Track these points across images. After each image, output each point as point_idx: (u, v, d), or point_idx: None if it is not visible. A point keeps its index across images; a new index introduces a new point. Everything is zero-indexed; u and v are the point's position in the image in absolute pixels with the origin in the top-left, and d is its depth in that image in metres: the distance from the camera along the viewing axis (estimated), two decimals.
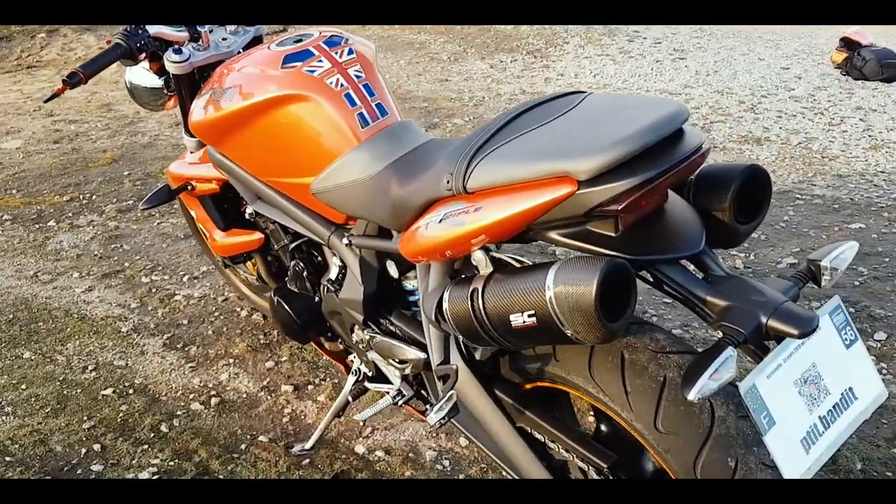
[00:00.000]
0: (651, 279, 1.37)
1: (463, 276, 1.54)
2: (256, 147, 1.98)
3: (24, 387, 2.63)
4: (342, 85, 1.85)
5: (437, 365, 1.67)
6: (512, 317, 1.32)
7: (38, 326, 3.03)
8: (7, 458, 2.26)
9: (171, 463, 2.26)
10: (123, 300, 3.23)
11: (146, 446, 2.34)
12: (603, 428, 1.68)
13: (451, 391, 1.60)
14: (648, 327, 1.46)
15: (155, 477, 2.20)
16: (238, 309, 3.12)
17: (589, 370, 1.47)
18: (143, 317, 3.10)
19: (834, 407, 1.28)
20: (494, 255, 1.58)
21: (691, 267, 1.37)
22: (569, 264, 1.25)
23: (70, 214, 4.08)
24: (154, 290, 3.30)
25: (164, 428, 2.43)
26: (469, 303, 1.39)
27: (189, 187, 2.39)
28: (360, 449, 2.33)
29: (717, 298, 1.28)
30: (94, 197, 4.29)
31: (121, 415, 2.49)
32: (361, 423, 2.41)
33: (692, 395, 1.14)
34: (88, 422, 2.45)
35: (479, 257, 1.45)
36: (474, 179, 1.39)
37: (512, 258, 1.60)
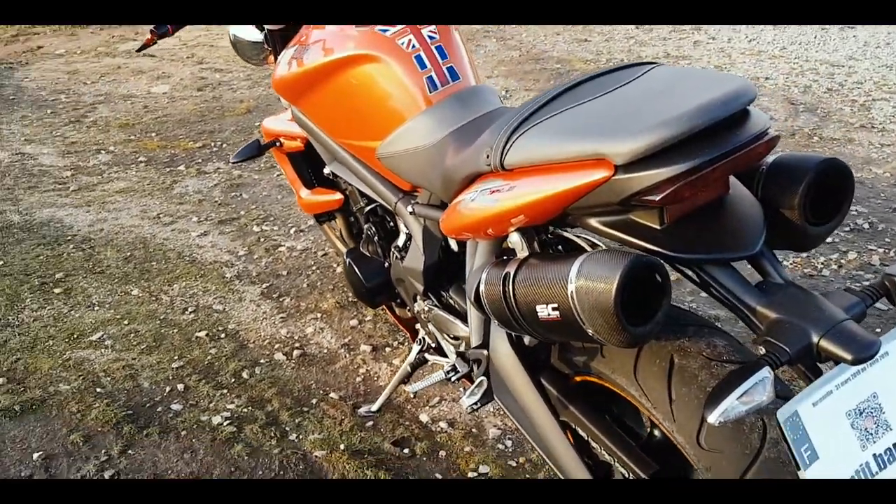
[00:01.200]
0: (698, 280, 1.21)
1: (505, 257, 1.44)
2: (330, 107, 1.95)
3: (126, 322, 2.79)
4: (413, 46, 1.77)
5: (473, 348, 1.58)
6: (538, 307, 1.21)
7: (150, 266, 3.20)
8: (97, 390, 2.41)
9: (245, 410, 2.33)
10: (233, 247, 3.35)
11: (225, 391, 2.42)
12: (656, 434, 1.54)
13: (482, 377, 1.52)
14: (708, 331, 1.30)
15: (227, 423, 2.27)
16: (334, 265, 3.16)
17: (634, 370, 1.34)
18: (247, 264, 3.21)
19: (894, 445, 1.09)
20: (558, 233, 1.46)
21: (749, 269, 1.20)
22: (595, 257, 1.12)
23: (199, 161, 4.28)
24: (262, 240, 3.40)
25: (245, 374, 2.50)
26: (501, 287, 1.30)
27: (278, 143, 2.41)
28: (424, 418, 2.30)
29: (768, 309, 1.11)
30: (224, 145, 4.47)
31: (209, 357, 2.59)
32: (412, 395, 2.37)
33: (713, 418, 1.00)
34: (178, 361, 2.57)
35: (514, 239, 1.35)
36: (511, 156, 1.28)
37: (578, 237, 1.47)
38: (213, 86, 5.53)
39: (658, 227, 1.16)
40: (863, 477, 1.06)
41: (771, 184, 1.20)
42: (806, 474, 1.03)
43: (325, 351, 2.63)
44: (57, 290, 2.98)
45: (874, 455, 1.07)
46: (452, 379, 1.93)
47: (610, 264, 1.07)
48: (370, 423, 2.27)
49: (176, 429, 2.25)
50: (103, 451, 2.15)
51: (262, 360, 2.58)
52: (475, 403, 1.52)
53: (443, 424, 2.26)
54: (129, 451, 2.15)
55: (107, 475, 2.06)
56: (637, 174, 1.09)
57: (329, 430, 2.24)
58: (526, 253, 1.33)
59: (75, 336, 2.70)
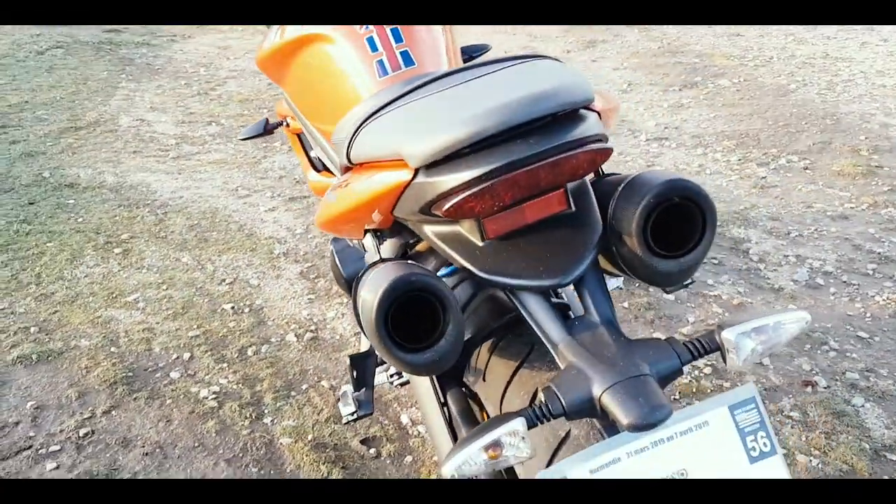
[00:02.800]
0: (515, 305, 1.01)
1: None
2: (299, 88, 1.87)
3: (164, 287, 2.87)
4: (367, 28, 1.64)
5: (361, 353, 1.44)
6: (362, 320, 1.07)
7: (210, 235, 3.28)
8: (111, 349, 2.49)
9: (234, 387, 2.31)
10: (293, 224, 3.37)
11: (225, 365, 2.42)
12: None
13: (361, 388, 1.39)
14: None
15: (212, 397, 2.26)
16: None
17: (501, 401, 1.16)
18: (299, 243, 3.21)
19: None
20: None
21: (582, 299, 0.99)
22: (379, 268, 0.96)
23: None
24: None
25: (250, 352, 2.49)
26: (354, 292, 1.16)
27: (285, 123, 2.35)
28: (404, 419, 2.16)
29: (567, 349, 0.92)
30: None
31: (224, 330, 2.60)
32: (392, 393, 2.24)
33: (447, 469, 0.82)
34: (195, 331, 2.60)
35: (368, 242, 1.20)
36: (354, 150, 1.16)
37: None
38: None
39: (479, 244, 0.99)
40: None
41: (618, 206, 0.98)
42: None
43: (338, 338, 2.56)
44: (116, 251, 3.13)
45: None
46: (394, 383, 1.80)
47: (380, 279, 0.91)
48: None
49: (163, 396, 2.27)
50: (89, 409, 2.21)
51: (272, 339, 2.56)
52: (350, 414, 1.37)
53: (421, 428, 2.12)
54: (113, 413, 2.19)
55: (81, 432, 2.11)
56: (430, 180, 0.96)
57: (304, 419, 2.16)
58: (376, 258, 1.17)
59: (114, 295, 2.81)
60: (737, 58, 5.37)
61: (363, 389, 1.39)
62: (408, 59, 1.62)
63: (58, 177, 3.77)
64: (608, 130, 1.30)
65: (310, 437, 2.09)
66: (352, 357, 1.37)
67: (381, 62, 1.60)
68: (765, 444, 0.89)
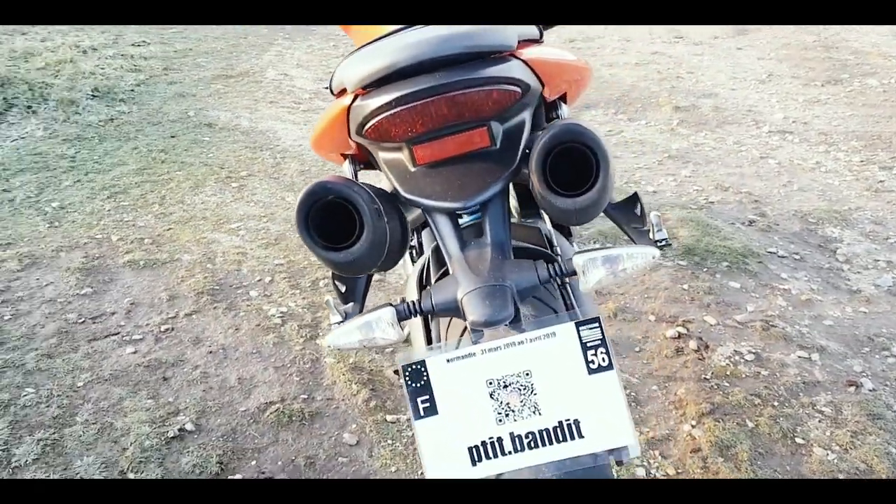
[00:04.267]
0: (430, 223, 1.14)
1: None
2: None
3: (265, 220, 3.17)
4: None
5: None
6: None
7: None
8: (207, 265, 2.81)
9: (299, 310, 2.55)
10: None
11: (297, 292, 2.66)
12: None
13: None
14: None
15: (278, 315, 2.51)
16: None
17: None
18: None
19: (540, 433, 0.95)
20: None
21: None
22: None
23: None
24: None
25: (321, 283, 2.72)
26: None
27: None
28: None
29: (455, 261, 1.06)
30: None
31: (305, 263, 2.85)
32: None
33: (325, 341, 1.01)
34: (281, 259, 2.87)
35: (345, 167, 1.35)
36: (335, 79, 1.31)
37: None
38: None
39: (411, 169, 1.12)
40: (488, 450, 0.95)
41: (532, 147, 1.08)
42: (417, 423, 0.95)
43: (402, 281, 2.74)
44: (233, 185, 3.47)
45: (511, 434, 0.96)
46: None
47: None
48: (392, 349, 2.35)
49: (238, 309, 2.55)
50: (174, 311, 2.53)
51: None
52: (336, 323, 1.53)
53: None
54: (193, 316, 2.50)
55: (163, 328, 2.42)
56: (360, 104, 1.09)
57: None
58: None
59: (221, 222, 3.15)
60: (893, 57, 5.00)
61: (351, 304, 1.54)
62: None
63: (200, 116, 4.20)
64: (577, 99, 1.38)
65: (351, 360, 2.29)
66: (333, 273, 1.53)
67: None
68: (603, 359, 0.97)
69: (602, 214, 1.21)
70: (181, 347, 2.34)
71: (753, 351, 2.28)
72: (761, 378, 2.16)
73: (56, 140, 3.83)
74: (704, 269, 2.71)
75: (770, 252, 2.82)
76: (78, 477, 1.83)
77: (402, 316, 1.01)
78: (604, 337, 0.98)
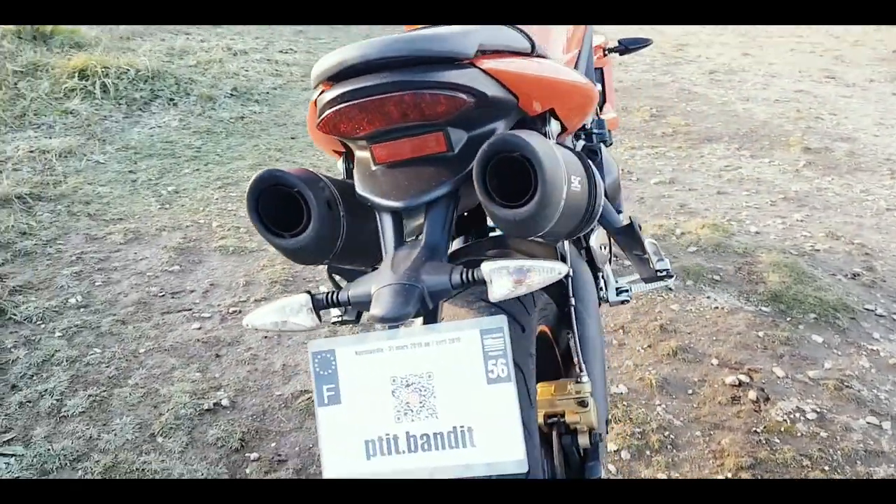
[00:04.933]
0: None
1: None
2: None
3: None
4: None
5: None
6: None
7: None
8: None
9: None
10: None
11: None
12: None
13: None
14: None
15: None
16: None
17: None
18: None
19: (434, 436, 0.93)
20: None
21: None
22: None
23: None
24: None
25: None
26: None
27: None
28: None
29: (389, 258, 1.05)
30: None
31: None
32: None
33: (245, 320, 1.02)
34: None
35: (339, 166, 1.39)
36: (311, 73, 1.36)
37: None
38: None
39: (372, 168, 1.14)
40: (377, 447, 0.95)
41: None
42: (319, 410, 0.96)
43: None
44: None
45: (407, 433, 0.94)
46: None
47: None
48: None
49: None
50: (246, 296, 2.66)
51: None
52: (336, 316, 1.56)
53: None
54: (262, 302, 2.63)
55: (231, 310, 2.56)
56: (319, 98, 1.11)
57: None
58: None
59: None
60: None
61: None
62: None
63: None
64: (578, 120, 1.33)
65: None
66: (329, 267, 1.56)
67: None
68: (502, 370, 0.93)
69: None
70: (241, 330, 2.45)
71: (818, 410, 2.09)
72: (818, 439, 1.98)
73: (188, 131, 4.15)
74: (787, 319, 2.52)
75: (867, 309, 2.57)
76: (112, 434, 1.97)
77: (319, 305, 1.02)
78: (506, 348, 0.95)
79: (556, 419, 1.34)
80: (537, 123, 1.26)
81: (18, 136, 3.81)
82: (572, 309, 1.52)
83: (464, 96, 1.05)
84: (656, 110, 4.90)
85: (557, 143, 1.26)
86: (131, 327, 2.43)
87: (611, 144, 2.62)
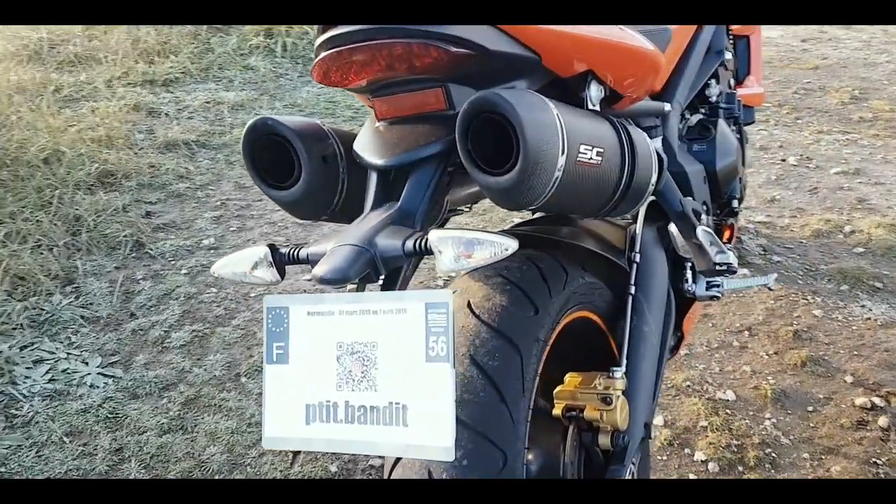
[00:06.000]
0: None
1: None
2: None
3: None
4: None
5: None
6: None
7: None
8: None
9: None
10: None
11: None
12: None
13: None
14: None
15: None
16: None
17: None
18: None
19: (370, 409, 0.87)
20: None
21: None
22: None
23: None
24: None
25: None
26: None
27: None
28: None
29: (359, 219, 0.98)
30: None
31: None
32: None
33: (212, 268, 1.01)
34: None
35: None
36: None
37: None
38: None
39: (375, 125, 1.08)
40: (317, 413, 0.91)
41: None
42: (267, 367, 0.93)
43: None
44: None
45: (346, 402, 0.89)
46: None
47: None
48: None
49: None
50: None
51: None
52: None
53: None
54: None
55: None
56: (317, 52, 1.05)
57: None
58: None
59: None
60: None
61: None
62: None
63: None
64: (638, 88, 1.16)
65: None
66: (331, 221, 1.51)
67: None
68: (442, 348, 0.85)
69: None
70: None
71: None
72: None
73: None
74: (843, 361, 2.13)
75: None
76: (202, 369, 2.07)
77: (278, 259, 0.97)
78: (448, 325, 0.86)
79: (575, 413, 1.22)
80: (572, 86, 1.12)
81: (200, 88, 4.12)
82: (629, 298, 1.37)
83: (457, 49, 0.95)
84: (859, 92, 4.33)
85: (594, 110, 1.11)
86: None
87: (749, 123, 2.34)
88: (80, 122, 3.43)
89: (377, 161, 1.02)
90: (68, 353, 2.10)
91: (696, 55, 1.72)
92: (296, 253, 0.97)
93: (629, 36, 1.15)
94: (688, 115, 1.78)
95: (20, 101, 3.54)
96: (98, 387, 1.98)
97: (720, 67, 1.87)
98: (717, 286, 1.52)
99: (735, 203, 1.82)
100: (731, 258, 1.32)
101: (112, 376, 2.03)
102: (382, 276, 0.94)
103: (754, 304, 2.39)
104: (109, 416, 1.89)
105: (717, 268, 1.32)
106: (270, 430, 0.93)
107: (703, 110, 1.85)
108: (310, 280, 1.38)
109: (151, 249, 2.64)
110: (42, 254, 2.48)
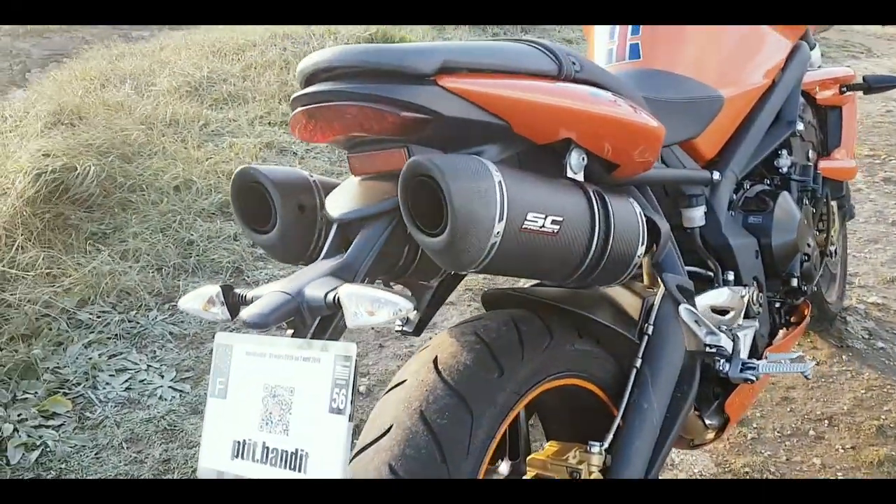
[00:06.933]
0: None
1: None
2: None
3: None
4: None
5: None
6: None
7: None
8: None
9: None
10: None
11: None
12: None
13: None
14: None
15: None
16: None
17: None
18: None
19: (280, 452, 0.92)
20: None
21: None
22: None
23: None
24: None
25: None
26: None
27: None
28: None
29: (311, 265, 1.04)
30: None
31: None
32: None
33: (179, 302, 1.09)
34: None
35: None
36: None
37: None
38: None
39: (351, 179, 1.13)
40: (241, 450, 0.95)
41: None
42: (209, 401, 1.00)
43: None
44: None
45: (264, 443, 0.93)
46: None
47: None
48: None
49: None
50: None
51: None
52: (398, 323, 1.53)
53: None
54: None
55: None
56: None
57: None
58: None
59: None
60: None
61: (415, 312, 1.52)
62: (634, 52, 1.59)
63: None
64: (630, 161, 1.13)
65: None
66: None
67: (611, 50, 1.62)
68: (342, 401, 0.88)
69: None
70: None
71: None
72: None
73: None
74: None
75: None
76: None
77: (231, 299, 1.02)
78: (351, 379, 0.89)
79: None
80: (552, 153, 1.11)
81: None
82: (634, 371, 1.32)
83: (407, 114, 0.98)
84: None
85: (570, 178, 1.10)
86: None
87: (838, 198, 2.17)
88: (216, 156, 3.74)
89: (334, 213, 1.07)
90: (149, 366, 2.28)
91: (758, 124, 1.65)
92: (245, 294, 1.03)
93: (614, 105, 1.13)
94: (747, 186, 1.69)
95: (170, 133, 3.92)
96: (166, 399, 2.14)
97: (792, 138, 1.77)
98: (753, 369, 1.43)
99: (795, 282, 1.70)
100: (723, 341, 1.25)
101: (181, 391, 2.18)
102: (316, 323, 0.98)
103: (843, 391, 2.20)
104: (168, 427, 2.04)
105: (707, 350, 1.25)
106: (205, 460, 0.99)
107: (769, 182, 1.75)
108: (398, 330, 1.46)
109: (248, 276, 2.83)
110: (151, 273, 2.72)
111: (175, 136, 3.90)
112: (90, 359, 2.27)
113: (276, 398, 0.94)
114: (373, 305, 0.87)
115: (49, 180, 2.98)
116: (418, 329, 1.46)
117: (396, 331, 1.52)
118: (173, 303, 2.60)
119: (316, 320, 0.96)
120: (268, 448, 0.93)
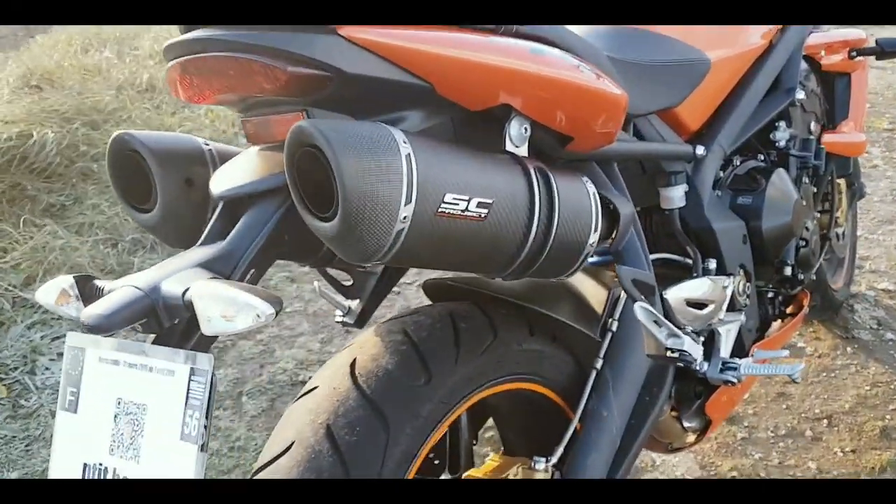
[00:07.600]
0: None
1: None
2: None
3: None
4: None
5: None
6: None
7: None
8: None
9: None
10: None
11: None
12: None
13: None
14: None
15: None
16: None
17: None
18: None
19: (132, 479, 0.76)
20: None
21: None
22: None
23: None
24: None
25: None
26: None
27: None
28: None
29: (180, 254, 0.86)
30: None
31: None
32: None
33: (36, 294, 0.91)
34: None
35: None
36: None
37: None
38: None
39: (248, 149, 0.96)
40: (90, 475, 0.79)
41: None
42: (58, 414, 0.83)
43: None
44: None
45: (115, 470, 0.77)
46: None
47: None
48: None
49: None
50: None
51: None
52: (340, 314, 1.35)
53: None
54: None
55: None
56: None
57: None
58: None
59: None
60: None
61: (357, 301, 1.34)
62: None
63: None
64: (587, 133, 0.94)
65: None
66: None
67: None
68: (195, 426, 0.70)
69: None
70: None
71: None
72: None
73: None
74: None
75: None
76: None
77: (84, 292, 0.83)
78: (206, 400, 0.70)
79: None
80: (494, 123, 0.91)
81: None
82: (593, 373, 1.14)
83: (297, 69, 0.78)
84: None
85: (507, 152, 0.90)
86: (295, 286, 2.50)
87: (844, 175, 1.96)
88: (191, 122, 3.55)
89: (218, 189, 0.88)
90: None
91: (751, 93, 1.44)
92: (103, 287, 0.84)
93: (563, 66, 0.92)
94: (737, 162, 1.49)
95: (144, 99, 3.74)
96: None
97: (791, 108, 1.56)
98: (734, 369, 1.24)
99: (790, 270, 1.50)
100: (687, 344, 1.06)
101: None
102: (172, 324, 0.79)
103: (845, 387, 2.01)
104: None
105: (668, 354, 1.06)
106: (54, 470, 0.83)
107: (764, 157, 1.55)
108: (338, 321, 1.28)
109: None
110: (105, 248, 2.55)
111: (149, 102, 3.72)
112: (31, 341, 2.10)
113: (128, 416, 0.77)
114: (229, 309, 0.69)
115: (4, 148, 2.80)
116: (361, 321, 1.27)
117: (337, 322, 1.34)
118: None
119: (178, 322, 0.77)
120: (118, 476, 0.76)
